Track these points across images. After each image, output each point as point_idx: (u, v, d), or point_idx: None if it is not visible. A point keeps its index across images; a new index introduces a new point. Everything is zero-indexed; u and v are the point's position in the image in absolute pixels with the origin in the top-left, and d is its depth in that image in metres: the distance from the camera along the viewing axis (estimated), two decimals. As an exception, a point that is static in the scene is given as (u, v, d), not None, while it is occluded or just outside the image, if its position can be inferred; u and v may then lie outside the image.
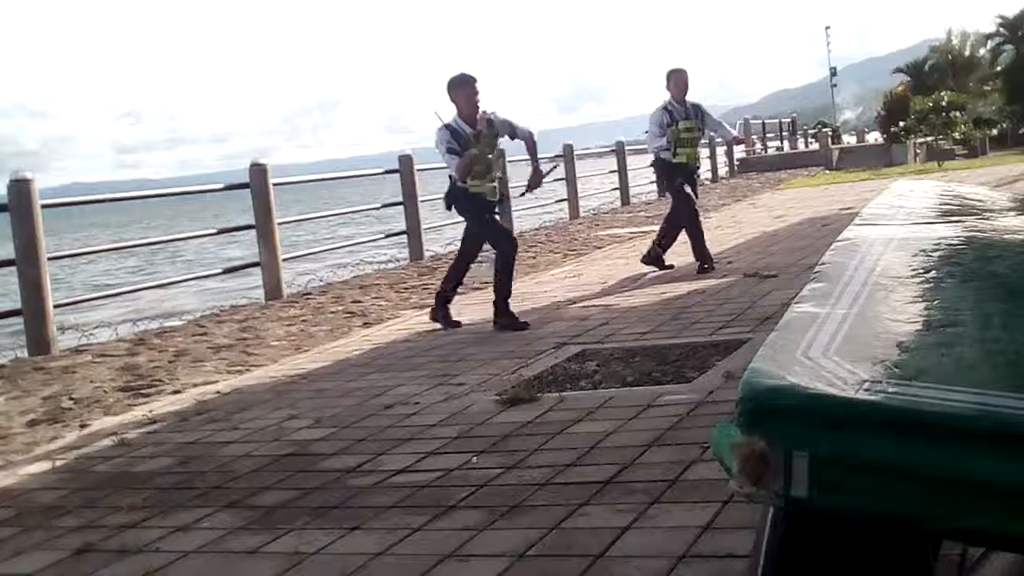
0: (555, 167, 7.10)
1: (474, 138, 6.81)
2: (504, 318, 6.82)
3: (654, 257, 9.01)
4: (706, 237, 9.00)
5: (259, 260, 10.10)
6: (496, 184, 7.01)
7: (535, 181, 7.40)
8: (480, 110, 6.85)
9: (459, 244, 7.48)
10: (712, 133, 9.07)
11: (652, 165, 9.48)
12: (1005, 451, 1.17)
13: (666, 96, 8.87)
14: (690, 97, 8.92)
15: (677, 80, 8.84)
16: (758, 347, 1.49)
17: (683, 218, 9.06)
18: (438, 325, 7.15)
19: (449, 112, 6.91)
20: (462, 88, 6.86)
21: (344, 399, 5.19)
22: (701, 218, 9.28)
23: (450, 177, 7.06)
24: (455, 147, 6.81)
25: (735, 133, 9.45)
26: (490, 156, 6.91)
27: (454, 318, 7.21)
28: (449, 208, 7.18)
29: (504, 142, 7.44)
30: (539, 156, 7.45)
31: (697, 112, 8.92)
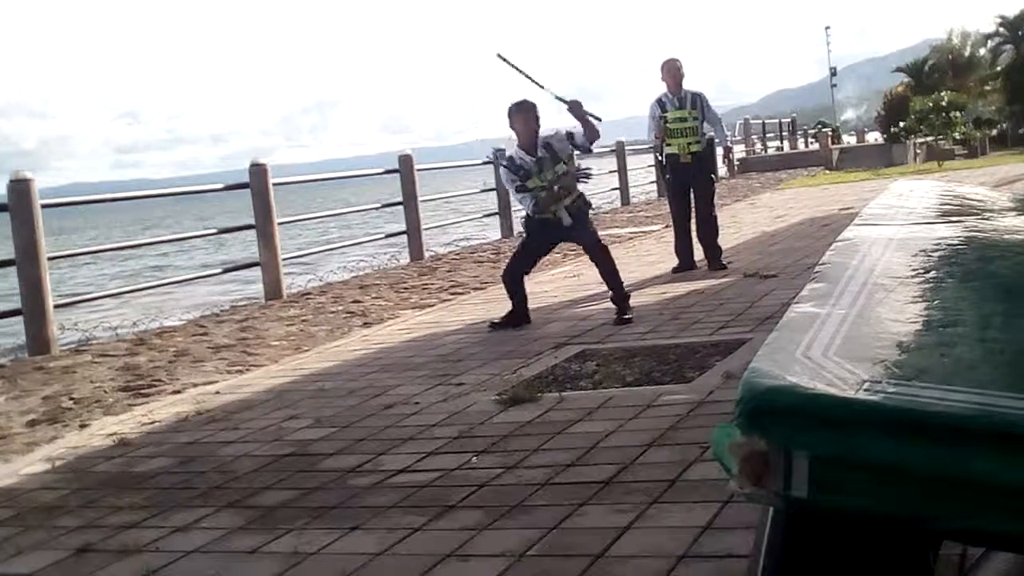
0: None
1: (535, 165, 6.73)
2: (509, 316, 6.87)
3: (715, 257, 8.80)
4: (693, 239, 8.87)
5: (259, 260, 10.11)
6: (563, 205, 6.81)
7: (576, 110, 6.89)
8: (539, 134, 6.78)
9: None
10: (709, 129, 8.92)
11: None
12: (1005, 451, 1.17)
13: (663, 88, 8.79)
14: (693, 88, 8.80)
15: (668, 69, 8.75)
16: (758, 347, 1.49)
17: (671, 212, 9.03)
18: (437, 326, 7.16)
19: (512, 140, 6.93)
20: (518, 114, 6.83)
21: (344, 399, 5.19)
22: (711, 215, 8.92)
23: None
24: (519, 182, 6.77)
25: (728, 142, 9.26)
26: (551, 179, 6.73)
27: (502, 320, 6.94)
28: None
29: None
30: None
31: (696, 102, 8.73)
